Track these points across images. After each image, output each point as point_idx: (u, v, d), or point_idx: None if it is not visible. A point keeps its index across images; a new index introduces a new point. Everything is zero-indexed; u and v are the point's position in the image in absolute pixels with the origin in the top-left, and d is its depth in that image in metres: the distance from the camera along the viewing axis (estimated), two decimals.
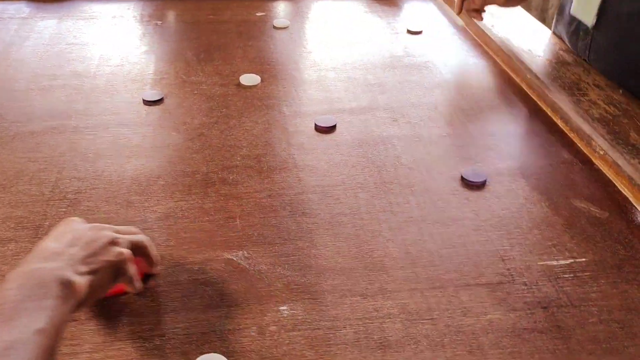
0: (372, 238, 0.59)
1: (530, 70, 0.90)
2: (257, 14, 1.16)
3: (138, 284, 0.47)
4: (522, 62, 0.92)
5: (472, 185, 0.68)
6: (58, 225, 0.46)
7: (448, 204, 0.65)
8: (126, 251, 0.46)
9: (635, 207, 0.64)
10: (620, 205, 0.65)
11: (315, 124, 0.79)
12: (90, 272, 0.42)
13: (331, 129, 0.78)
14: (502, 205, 0.65)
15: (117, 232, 0.48)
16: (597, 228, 0.61)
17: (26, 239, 0.57)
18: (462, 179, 0.68)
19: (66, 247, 0.43)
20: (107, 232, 0.46)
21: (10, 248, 0.56)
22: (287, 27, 1.11)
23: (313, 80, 0.91)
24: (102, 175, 0.67)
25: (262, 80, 0.90)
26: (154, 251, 0.51)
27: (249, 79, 0.90)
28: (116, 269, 0.45)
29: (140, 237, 0.50)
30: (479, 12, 1.00)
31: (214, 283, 0.53)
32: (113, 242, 0.45)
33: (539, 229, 0.61)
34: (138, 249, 0.49)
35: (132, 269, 0.46)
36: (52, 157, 0.70)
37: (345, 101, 0.85)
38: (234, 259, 0.56)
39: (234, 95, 0.86)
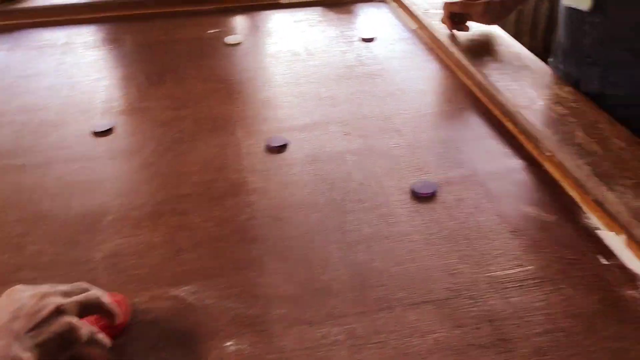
0: (322, 260, 0.59)
1: (479, 72, 0.91)
2: (209, 32, 1.16)
3: (104, 341, 0.45)
4: (472, 65, 0.93)
5: (422, 197, 0.68)
6: None
7: (398, 218, 0.65)
8: (73, 319, 0.44)
9: (581, 209, 0.65)
10: (568, 207, 0.65)
11: (267, 145, 0.78)
12: (37, 345, 0.41)
13: (282, 148, 0.78)
14: (451, 216, 0.65)
15: (65, 293, 0.46)
16: (544, 233, 0.62)
17: None
18: (412, 191, 0.69)
19: (8, 322, 0.42)
20: (53, 298, 0.44)
21: None
22: (239, 43, 1.10)
23: (266, 98, 0.91)
24: (47, 216, 0.66)
25: (215, 98, 0.89)
26: (109, 305, 0.48)
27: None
28: (66, 339, 0.43)
29: (92, 294, 0.47)
30: (461, 23, 1.01)
31: (159, 323, 0.52)
32: (58, 310, 0.43)
33: (487, 239, 0.61)
34: (92, 307, 0.46)
35: (86, 333, 0.44)
36: None
37: (297, 117, 0.85)
38: (181, 294, 0.55)
39: (185, 118, 0.85)
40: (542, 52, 2.32)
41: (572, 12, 0.86)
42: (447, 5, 1.01)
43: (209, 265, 0.59)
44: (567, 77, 0.90)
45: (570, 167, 0.68)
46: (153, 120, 0.85)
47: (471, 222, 0.64)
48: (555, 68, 0.93)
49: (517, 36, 2.12)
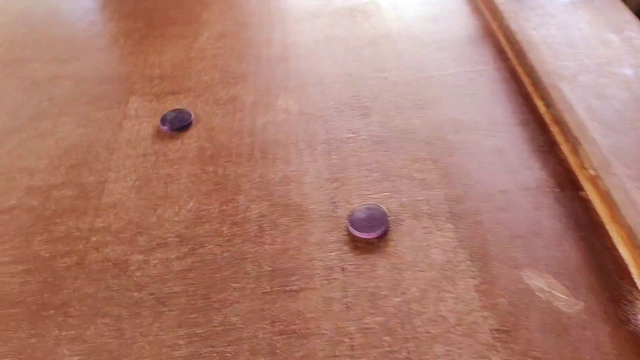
0: None
1: (508, 12, 0.59)
2: None
3: None
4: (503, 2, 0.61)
5: (363, 241, 0.41)
6: None
7: (306, 284, 0.38)
8: None
9: (637, 286, 0.36)
10: (611, 280, 0.37)
11: (160, 124, 0.53)
12: None
13: (180, 130, 0.52)
14: (396, 286, 0.38)
15: None
16: (561, 338, 0.34)
17: None
18: (350, 230, 0.42)
19: None
20: None
21: None
22: None
23: (195, 47, 0.64)
24: None
25: (122, 46, 0.63)
26: None
27: None
28: None
29: None
30: None
31: None
32: None
33: (449, 344, 0.34)
34: None
35: None
36: None
37: (219, 82, 0.58)
38: None
39: (65, 78, 0.60)
40: None
41: None
42: None
43: None
44: None
45: (622, 201, 0.38)
46: (23, 79, 0.60)
47: (429, 304, 0.36)
48: None
49: None
